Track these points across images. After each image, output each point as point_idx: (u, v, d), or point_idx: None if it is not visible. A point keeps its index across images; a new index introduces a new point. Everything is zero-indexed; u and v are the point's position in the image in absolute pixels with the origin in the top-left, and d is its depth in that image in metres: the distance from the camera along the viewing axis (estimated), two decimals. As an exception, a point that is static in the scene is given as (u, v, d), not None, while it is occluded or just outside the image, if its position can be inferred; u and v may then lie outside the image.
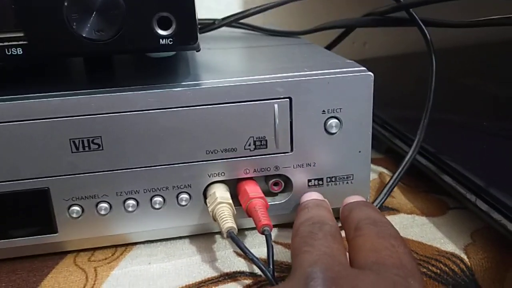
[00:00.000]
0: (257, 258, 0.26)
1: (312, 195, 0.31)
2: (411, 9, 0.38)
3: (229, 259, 0.30)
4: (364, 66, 0.31)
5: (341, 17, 0.48)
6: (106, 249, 0.32)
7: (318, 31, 0.47)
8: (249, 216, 0.29)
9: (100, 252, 0.31)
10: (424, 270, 0.29)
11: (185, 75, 0.32)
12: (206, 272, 0.29)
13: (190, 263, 0.30)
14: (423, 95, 0.37)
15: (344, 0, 0.44)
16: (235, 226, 0.27)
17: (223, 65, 0.36)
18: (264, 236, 0.27)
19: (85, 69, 0.35)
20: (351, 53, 0.50)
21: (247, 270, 0.29)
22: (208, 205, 0.30)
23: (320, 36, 0.50)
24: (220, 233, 0.33)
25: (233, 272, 0.29)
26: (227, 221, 0.27)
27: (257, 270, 0.29)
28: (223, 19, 0.44)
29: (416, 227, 0.33)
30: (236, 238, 0.27)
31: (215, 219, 0.29)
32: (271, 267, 0.26)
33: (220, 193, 0.30)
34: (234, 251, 0.31)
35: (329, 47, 0.52)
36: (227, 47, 0.44)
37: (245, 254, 0.26)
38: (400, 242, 0.25)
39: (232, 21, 0.43)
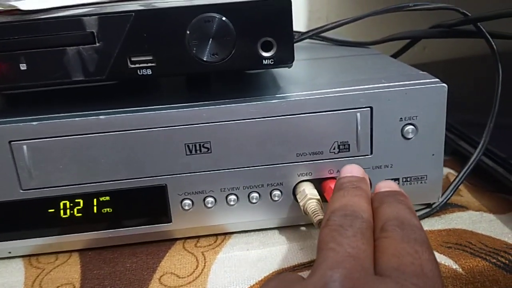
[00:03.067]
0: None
1: (353, 169, 0.31)
2: (478, 23, 0.41)
3: (316, 248, 0.34)
4: (426, 71, 0.35)
5: (401, 29, 0.51)
6: (209, 237, 0.37)
7: (386, 42, 0.51)
8: (336, 211, 0.33)
9: (204, 240, 0.37)
10: (494, 260, 0.32)
11: (276, 88, 0.36)
12: (297, 258, 0.34)
13: (282, 250, 0.35)
14: (486, 99, 0.40)
15: (408, 14, 0.48)
16: (325, 218, 0.32)
17: (305, 77, 0.40)
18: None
19: (186, 84, 0.41)
20: (412, 57, 0.54)
21: (334, 257, 0.33)
22: (299, 200, 0.34)
23: (383, 46, 0.53)
24: (305, 225, 0.37)
25: (322, 258, 0.33)
26: (318, 215, 0.32)
27: (343, 258, 0.33)
28: (305, 32, 0.48)
29: (485, 223, 0.36)
30: (328, 228, 0.31)
31: (306, 213, 0.33)
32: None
33: (309, 190, 0.34)
34: (320, 241, 0.35)
35: (395, 56, 0.55)
36: (303, 58, 0.48)
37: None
38: (425, 248, 0.24)
39: (314, 34, 0.47)
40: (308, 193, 0.34)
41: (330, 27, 0.46)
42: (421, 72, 0.37)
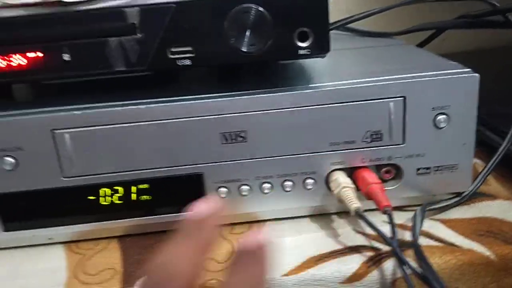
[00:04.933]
0: (382, 232, 0.31)
1: (201, 207, 0.23)
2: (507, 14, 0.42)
3: (349, 235, 0.35)
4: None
5: (421, 20, 0.51)
6: (242, 224, 0.38)
7: (411, 32, 0.51)
8: (369, 199, 0.34)
9: (238, 227, 0.38)
10: (527, 247, 0.32)
11: (309, 78, 0.37)
12: (332, 245, 0.34)
13: (317, 237, 0.35)
14: (510, 90, 0.41)
15: (429, 5, 0.48)
16: (361, 206, 0.33)
17: (335, 67, 0.41)
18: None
19: (218, 75, 0.41)
20: (431, 49, 0.54)
21: (368, 245, 0.34)
22: (333, 189, 0.35)
23: (405, 37, 0.53)
24: (336, 213, 0.38)
25: (356, 246, 0.34)
26: (354, 202, 0.33)
27: (376, 245, 0.34)
28: (331, 24, 0.49)
29: (515, 211, 0.37)
30: (364, 215, 0.32)
31: (340, 201, 0.34)
32: (396, 239, 0.31)
33: (343, 179, 0.35)
34: (353, 229, 0.36)
35: (419, 46, 0.55)
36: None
37: (373, 228, 0.32)
38: None
39: (340, 25, 0.48)
40: (342, 182, 0.34)
41: (356, 18, 0.47)
42: (451, 62, 0.37)
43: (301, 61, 0.42)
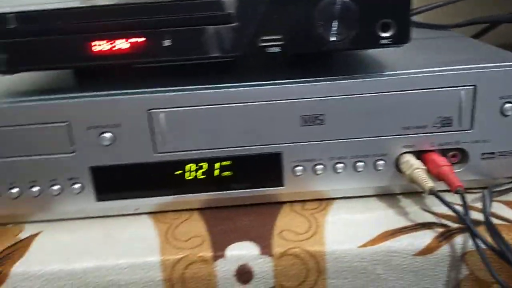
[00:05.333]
0: (456, 208, 0.34)
1: None
2: None
3: (418, 213, 0.38)
4: None
5: (478, 13, 0.53)
6: (313, 202, 0.41)
7: (468, 25, 0.53)
8: (440, 180, 0.36)
9: (309, 204, 0.40)
10: None
11: (383, 66, 0.39)
12: (402, 221, 0.37)
13: (386, 215, 0.38)
14: None
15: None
16: (435, 185, 0.35)
17: (402, 57, 0.43)
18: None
19: (288, 62, 0.44)
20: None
21: (437, 222, 0.36)
22: (404, 170, 0.37)
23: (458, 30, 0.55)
24: (401, 193, 0.41)
25: (426, 222, 0.36)
26: (428, 182, 0.35)
27: (445, 222, 0.36)
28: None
29: None
30: (438, 194, 0.34)
31: (412, 181, 0.37)
32: (468, 216, 0.33)
33: (414, 161, 0.37)
34: (421, 208, 0.39)
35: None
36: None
37: (446, 205, 0.34)
38: None
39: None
40: (415, 163, 0.37)
41: (420, 10, 0.48)
42: (516, 53, 0.39)
43: (369, 50, 0.44)
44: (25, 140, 0.36)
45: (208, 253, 0.35)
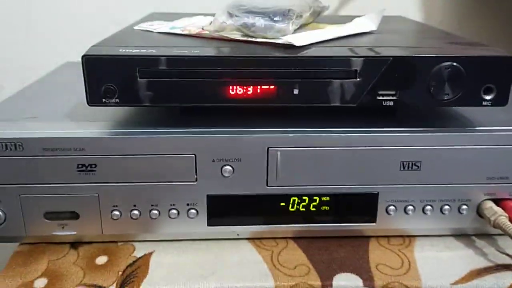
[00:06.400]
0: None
1: None
2: None
3: (496, 255, 0.42)
4: None
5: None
6: (396, 237, 0.45)
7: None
8: (519, 227, 0.41)
9: (393, 240, 0.45)
10: None
11: (471, 122, 0.44)
12: (484, 262, 0.41)
13: (468, 254, 0.42)
14: None
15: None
16: (519, 233, 0.40)
17: (488, 114, 0.45)
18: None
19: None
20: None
21: (515, 264, 0.41)
22: (488, 215, 0.42)
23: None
24: (475, 235, 0.45)
25: (505, 264, 0.41)
26: (513, 229, 0.40)
27: (523, 265, 0.41)
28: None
29: None
30: (524, 241, 0.39)
31: (496, 226, 0.41)
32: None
33: (496, 208, 0.42)
34: (496, 249, 0.43)
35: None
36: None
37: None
38: None
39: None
40: (497, 210, 0.42)
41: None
42: None
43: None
44: (154, 167, 0.40)
45: (316, 282, 0.39)
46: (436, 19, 0.78)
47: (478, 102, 0.39)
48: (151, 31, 0.48)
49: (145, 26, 0.50)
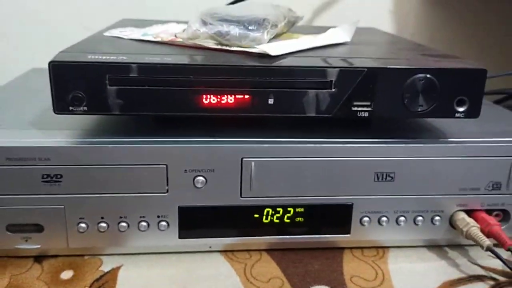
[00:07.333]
0: (509, 265, 0.39)
1: None
2: None
3: (468, 266, 0.42)
4: None
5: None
6: (370, 249, 0.45)
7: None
8: (489, 237, 0.41)
9: (367, 251, 0.44)
10: None
11: (446, 133, 0.44)
12: (456, 273, 0.41)
13: (440, 265, 0.43)
14: None
15: None
16: (490, 243, 0.40)
17: (456, 125, 0.46)
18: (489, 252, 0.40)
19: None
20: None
21: (487, 275, 0.41)
22: (460, 226, 0.42)
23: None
24: (448, 245, 0.45)
25: (477, 275, 0.41)
26: (485, 240, 0.40)
27: (494, 276, 0.41)
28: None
29: None
30: (495, 251, 0.39)
31: (468, 237, 0.41)
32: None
33: (468, 218, 0.42)
34: (468, 260, 0.43)
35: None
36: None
37: (503, 261, 0.39)
38: None
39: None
40: (469, 221, 0.42)
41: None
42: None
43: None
44: (123, 177, 0.38)
45: (291, 295, 0.38)
46: (408, 31, 0.79)
47: (452, 114, 0.39)
48: (122, 38, 0.46)
49: (116, 32, 0.48)
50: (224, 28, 0.42)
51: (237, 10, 0.44)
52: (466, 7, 0.79)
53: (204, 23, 0.42)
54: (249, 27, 0.41)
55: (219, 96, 0.37)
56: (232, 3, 0.65)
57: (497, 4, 0.80)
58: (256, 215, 0.42)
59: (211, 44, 0.42)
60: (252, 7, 0.46)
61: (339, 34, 0.48)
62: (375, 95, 0.38)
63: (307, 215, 0.42)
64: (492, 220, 0.42)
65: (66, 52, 0.38)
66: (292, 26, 0.50)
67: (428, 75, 0.38)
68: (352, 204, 0.42)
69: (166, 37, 0.46)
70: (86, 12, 0.72)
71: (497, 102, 0.64)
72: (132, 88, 0.36)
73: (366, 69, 0.37)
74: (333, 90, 0.38)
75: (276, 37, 0.46)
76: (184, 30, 0.44)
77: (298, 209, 0.42)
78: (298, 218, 0.42)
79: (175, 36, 0.45)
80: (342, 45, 0.47)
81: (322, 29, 0.49)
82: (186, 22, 0.43)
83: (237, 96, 0.37)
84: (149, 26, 0.52)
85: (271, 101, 0.38)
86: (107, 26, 0.54)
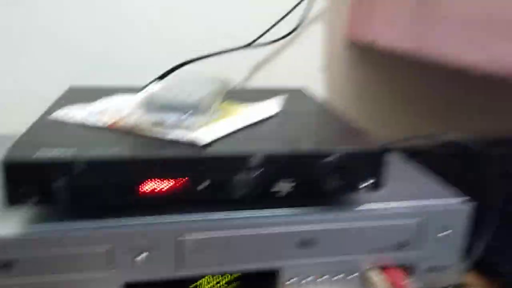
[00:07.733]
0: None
1: None
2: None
3: (380, 317, 0.49)
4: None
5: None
6: (298, 305, 0.50)
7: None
8: (398, 292, 0.48)
9: (295, 307, 0.50)
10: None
11: (353, 200, 0.51)
12: (370, 324, 0.48)
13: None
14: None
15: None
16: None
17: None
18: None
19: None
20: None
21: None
22: (372, 282, 0.49)
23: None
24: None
25: (387, 325, 0.48)
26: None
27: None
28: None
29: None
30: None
31: (379, 293, 0.48)
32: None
33: (377, 276, 0.49)
34: (381, 312, 0.50)
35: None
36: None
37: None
38: None
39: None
40: (377, 280, 0.48)
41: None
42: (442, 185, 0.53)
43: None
44: (70, 260, 0.43)
45: None
46: (338, 90, 0.87)
47: (357, 189, 0.46)
48: (66, 123, 0.50)
49: (61, 114, 0.53)
50: (163, 115, 0.47)
51: (177, 92, 0.49)
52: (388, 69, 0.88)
53: (145, 110, 0.48)
54: (184, 113, 0.47)
55: (154, 185, 0.42)
56: (161, 77, 0.63)
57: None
58: (191, 286, 0.47)
59: (150, 132, 0.47)
60: (187, 86, 0.51)
61: (269, 108, 0.56)
62: (298, 174, 0.44)
63: (241, 282, 0.48)
64: (401, 277, 0.49)
65: (16, 147, 0.42)
66: (225, 94, 0.57)
67: (331, 159, 0.45)
68: (279, 270, 0.48)
69: (109, 120, 0.50)
70: (32, 79, 0.75)
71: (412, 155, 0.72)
72: (76, 182, 0.41)
73: (287, 155, 0.44)
74: (255, 174, 0.44)
75: (214, 112, 0.51)
76: (127, 115, 0.49)
77: (232, 276, 0.47)
78: (231, 285, 0.48)
79: (119, 118, 0.50)
80: (270, 120, 0.54)
81: (256, 93, 0.56)
82: (134, 90, 0.48)
83: (169, 184, 0.43)
84: (97, 98, 0.57)
85: (200, 187, 0.43)
86: (54, 100, 0.59)
